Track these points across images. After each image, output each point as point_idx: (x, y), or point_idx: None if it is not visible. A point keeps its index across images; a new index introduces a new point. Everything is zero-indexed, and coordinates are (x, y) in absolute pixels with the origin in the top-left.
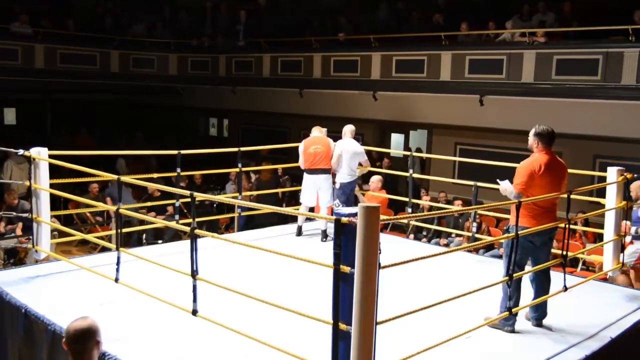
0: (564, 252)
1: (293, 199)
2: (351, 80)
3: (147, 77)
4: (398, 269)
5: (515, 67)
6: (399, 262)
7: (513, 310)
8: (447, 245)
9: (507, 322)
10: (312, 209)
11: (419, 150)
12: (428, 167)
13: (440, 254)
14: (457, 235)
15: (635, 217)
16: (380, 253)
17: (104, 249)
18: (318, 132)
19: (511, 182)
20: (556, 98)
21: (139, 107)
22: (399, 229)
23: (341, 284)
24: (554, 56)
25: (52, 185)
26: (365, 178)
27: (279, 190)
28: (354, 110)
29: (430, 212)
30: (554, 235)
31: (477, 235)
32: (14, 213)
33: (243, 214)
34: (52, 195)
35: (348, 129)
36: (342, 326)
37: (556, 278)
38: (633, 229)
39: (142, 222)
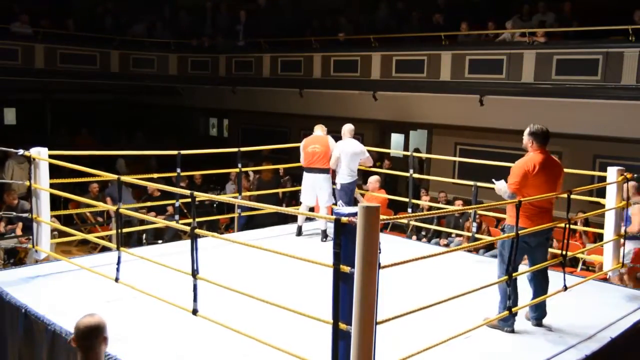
0: (564, 252)
1: (293, 199)
2: (351, 80)
3: (147, 77)
4: (398, 269)
5: (515, 67)
6: (399, 262)
7: (512, 310)
8: (447, 245)
9: (507, 323)
10: (312, 209)
11: (417, 150)
12: (427, 167)
13: (440, 253)
14: (457, 235)
15: (625, 217)
16: (380, 253)
17: (104, 249)
18: (320, 131)
19: (507, 181)
20: (556, 98)
21: (139, 107)
22: (399, 229)
23: (341, 283)
24: (554, 56)
25: (52, 185)
26: (365, 178)
27: (280, 190)
28: (354, 110)
29: (430, 212)
30: (550, 236)
31: (477, 235)
32: (14, 213)
33: (243, 214)
34: (52, 195)
35: (347, 129)
36: (342, 326)
37: (556, 278)
38: (622, 229)
39: (142, 222)
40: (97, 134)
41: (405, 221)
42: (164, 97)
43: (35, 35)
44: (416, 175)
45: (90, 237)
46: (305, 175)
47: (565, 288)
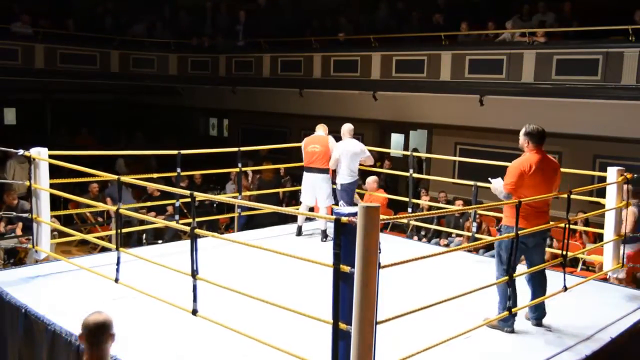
0: (564, 252)
1: (293, 199)
2: (351, 80)
3: (147, 77)
4: (398, 269)
5: (515, 67)
6: (399, 262)
7: (512, 310)
8: (447, 245)
9: (507, 323)
10: (312, 209)
11: (415, 150)
12: (427, 167)
13: (440, 253)
14: (457, 235)
15: None
16: (380, 253)
17: (104, 249)
18: (322, 131)
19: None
20: (556, 98)
21: (139, 107)
22: (399, 229)
23: (341, 283)
24: (554, 56)
25: (52, 185)
26: (365, 178)
27: (280, 190)
28: (354, 110)
29: (430, 212)
30: (547, 237)
31: (477, 235)
32: (14, 213)
33: (243, 213)
34: (52, 195)
35: (346, 129)
36: (342, 326)
37: (556, 278)
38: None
39: (142, 222)
40: (97, 134)
41: (405, 221)
42: (164, 97)
43: (35, 35)
44: (416, 175)
45: (90, 237)
46: (305, 175)
47: (565, 288)
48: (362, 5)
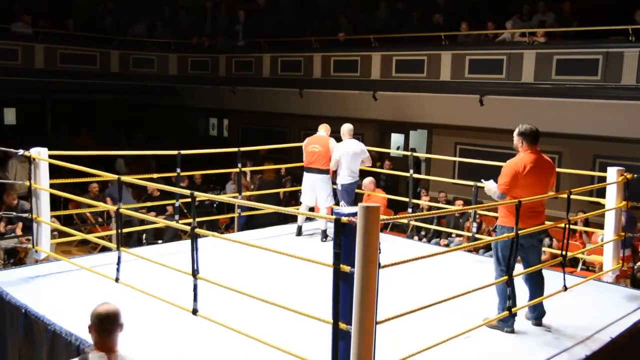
0: (564, 252)
1: (293, 199)
2: (351, 80)
3: (147, 77)
4: (398, 269)
5: (515, 67)
6: (399, 262)
7: (512, 310)
8: (447, 245)
9: (506, 324)
10: (312, 209)
11: (413, 150)
12: (427, 167)
13: (440, 253)
14: (457, 235)
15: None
16: (380, 253)
17: (104, 249)
18: (323, 132)
19: (496, 182)
20: (556, 98)
21: (139, 107)
22: (399, 229)
23: (341, 283)
24: (554, 56)
25: (52, 185)
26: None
27: (281, 190)
28: (354, 110)
29: (430, 212)
30: (542, 238)
31: (477, 235)
32: (14, 213)
33: (243, 214)
34: (52, 195)
35: (346, 130)
36: (342, 326)
37: (556, 278)
38: (600, 238)
39: (142, 222)
40: (97, 134)
41: (405, 221)
42: (164, 97)
43: (35, 35)
44: (416, 175)
45: (90, 237)
46: (305, 175)
47: (565, 288)
48: (362, 5)
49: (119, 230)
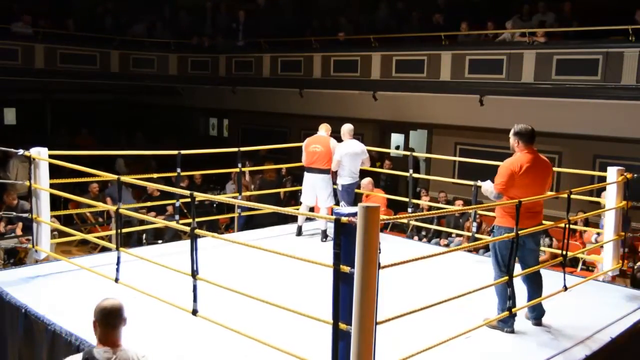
0: (564, 252)
1: (293, 198)
2: (351, 80)
3: (147, 77)
4: (398, 269)
5: (515, 67)
6: (399, 262)
7: (512, 310)
8: (447, 245)
9: (506, 324)
10: (312, 209)
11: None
12: (427, 167)
13: (440, 253)
14: (457, 235)
15: (601, 225)
16: (380, 253)
17: (104, 249)
18: (324, 132)
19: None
20: (556, 98)
21: (139, 107)
22: (399, 229)
23: (341, 284)
24: (554, 56)
25: (52, 185)
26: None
27: (281, 190)
28: (354, 110)
29: (430, 212)
30: (539, 239)
31: (477, 235)
32: (14, 213)
33: (243, 214)
34: (52, 195)
35: (346, 130)
36: (342, 326)
37: (556, 278)
38: (593, 237)
39: (142, 222)
40: (97, 134)
41: (405, 221)
42: (164, 97)
43: (35, 35)
44: (416, 175)
45: (90, 237)
46: (306, 175)
47: (565, 288)
48: (362, 5)
49: (119, 230)
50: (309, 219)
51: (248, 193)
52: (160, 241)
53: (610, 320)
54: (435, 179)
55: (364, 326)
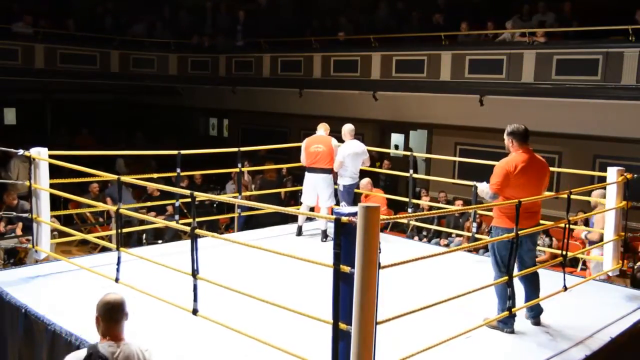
0: (564, 252)
1: (293, 198)
2: (351, 80)
3: (147, 77)
4: (398, 269)
5: (515, 67)
6: (399, 262)
7: (513, 310)
8: (447, 245)
9: (506, 325)
10: (312, 209)
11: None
12: (427, 167)
13: (440, 254)
14: (457, 235)
15: (590, 224)
16: (380, 253)
17: (104, 249)
18: (323, 131)
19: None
20: (556, 98)
21: (139, 107)
22: (399, 229)
23: (341, 284)
24: (554, 56)
25: (52, 185)
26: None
27: (281, 190)
28: (354, 110)
29: (430, 212)
30: (536, 240)
31: (477, 235)
32: (14, 213)
33: (243, 213)
34: (52, 195)
35: (347, 130)
36: (342, 326)
37: (556, 278)
38: (583, 234)
39: (142, 222)
40: (97, 134)
41: (405, 221)
42: (164, 97)
43: (35, 35)
44: (416, 175)
45: (90, 237)
46: (307, 175)
47: (565, 288)
48: (362, 5)
49: (119, 231)
50: (309, 219)
51: (248, 193)
52: (160, 241)
53: (610, 320)
54: (435, 179)
55: (364, 326)
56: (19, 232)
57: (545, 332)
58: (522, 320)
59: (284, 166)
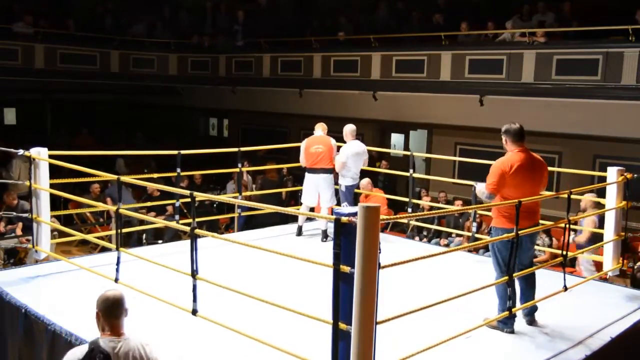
0: (564, 252)
1: (293, 199)
2: (351, 80)
3: (147, 77)
4: (398, 269)
5: (515, 67)
6: (399, 262)
7: (513, 310)
8: (447, 245)
9: (506, 325)
10: (312, 209)
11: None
12: (427, 167)
13: (440, 253)
14: (457, 235)
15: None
16: (380, 253)
17: (104, 249)
18: (321, 131)
19: None
20: (556, 98)
21: (139, 107)
22: (399, 229)
23: (341, 284)
24: (554, 56)
25: (52, 185)
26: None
27: (282, 190)
28: (354, 110)
29: (430, 212)
30: (535, 239)
31: (477, 235)
32: (14, 213)
33: (244, 214)
34: (52, 195)
35: (349, 131)
36: (342, 326)
37: (556, 278)
38: (572, 237)
39: (142, 222)
40: (97, 134)
41: (405, 221)
42: (164, 97)
43: (35, 35)
44: (416, 175)
45: (90, 237)
46: (308, 175)
47: (565, 288)
48: (362, 5)
49: (119, 231)
50: (309, 219)
51: (248, 193)
52: (160, 241)
53: (610, 320)
54: (435, 179)
55: (364, 326)
56: (19, 232)
57: (545, 332)
58: (522, 321)
59: (285, 166)
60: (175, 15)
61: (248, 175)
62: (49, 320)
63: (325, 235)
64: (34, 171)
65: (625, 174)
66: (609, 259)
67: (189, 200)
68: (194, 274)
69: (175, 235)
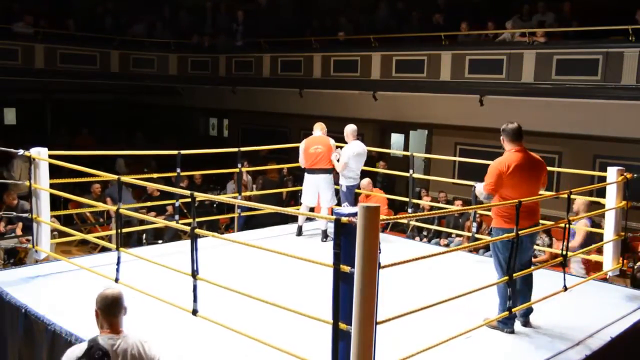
0: (564, 252)
1: (293, 199)
2: (351, 80)
3: (147, 77)
4: (398, 269)
5: (515, 67)
6: (399, 262)
7: (513, 310)
8: (447, 245)
9: (506, 325)
10: (312, 209)
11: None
12: (426, 167)
13: (440, 253)
14: (457, 235)
15: (570, 232)
16: (380, 253)
17: (104, 249)
18: (320, 131)
19: None
20: (556, 98)
21: (139, 107)
22: (399, 229)
23: (341, 283)
24: (554, 56)
25: (52, 185)
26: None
27: (282, 190)
28: (354, 110)
29: (430, 212)
30: (535, 239)
31: (477, 235)
32: (14, 213)
33: (243, 214)
34: (52, 195)
35: (350, 131)
36: (342, 326)
37: (556, 278)
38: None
39: (142, 222)
40: (97, 134)
41: (405, 221)
42: (164, 97)
43: (35, 35)
44: (415, 175)
45: (90, 237)
46: (308, 176)
47: (565, 288)
48: (362, 5)
49: (119, 231)
50: (309, 219)
51: (248, 193)
52: (160, 241)
53: (610, 320)
54: (435, 179)
55: (364, 326)
56: (19, 232)
57: (545, 332)
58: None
59: (285, 166)
60: (175, 15)
61: (248, 175)
62: (49, 320)
63: (325, 235)
64: (34, 171)
65: (625, 173)
66: (609, 259)
67: (189, 200)
68: (194, 274)
69: (175, 235)
